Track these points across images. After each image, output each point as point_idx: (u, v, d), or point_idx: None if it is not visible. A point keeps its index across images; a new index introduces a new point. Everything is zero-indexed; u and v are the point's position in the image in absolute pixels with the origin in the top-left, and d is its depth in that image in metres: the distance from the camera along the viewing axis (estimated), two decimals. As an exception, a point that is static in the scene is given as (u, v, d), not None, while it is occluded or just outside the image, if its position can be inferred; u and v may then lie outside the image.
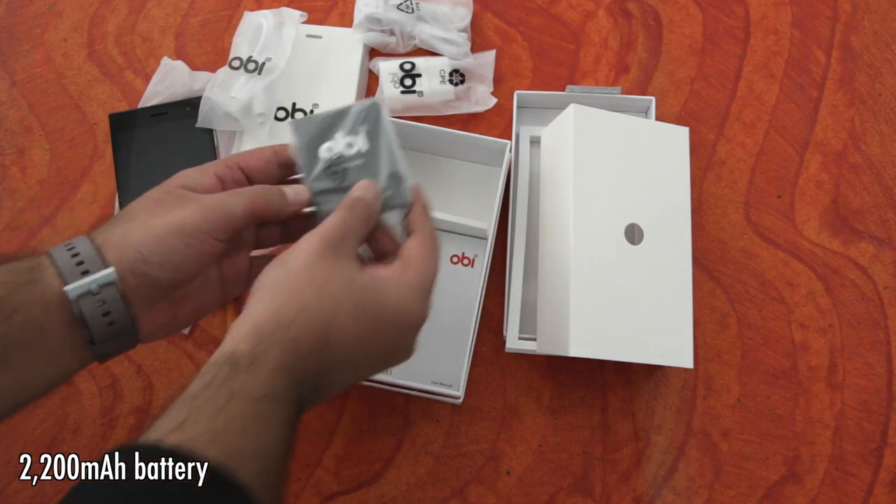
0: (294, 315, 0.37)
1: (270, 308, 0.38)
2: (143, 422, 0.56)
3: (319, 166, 0.45)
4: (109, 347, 0.40)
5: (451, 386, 0.54)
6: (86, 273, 0.38)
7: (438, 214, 0.56)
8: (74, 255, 0.38)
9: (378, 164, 0.45)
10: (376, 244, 0.45)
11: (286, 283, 0.39)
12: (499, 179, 0.56)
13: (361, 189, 0.43)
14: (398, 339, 0.41)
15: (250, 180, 0.45)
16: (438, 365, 0.55)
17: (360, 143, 0.45)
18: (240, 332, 0.37)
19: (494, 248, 0.57)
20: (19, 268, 0.38)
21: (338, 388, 0.40)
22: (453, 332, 0.55)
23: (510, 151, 0.57)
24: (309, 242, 0.40)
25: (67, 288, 0.38)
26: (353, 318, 0.39)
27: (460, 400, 0.53)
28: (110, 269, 0.38)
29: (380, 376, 0.53)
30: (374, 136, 0.45)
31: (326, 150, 0.45)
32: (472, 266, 0.58)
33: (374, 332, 0.40)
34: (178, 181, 0.43)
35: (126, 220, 0.40)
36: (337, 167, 0.45)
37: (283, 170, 0.46)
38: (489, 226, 0.56)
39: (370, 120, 0.45)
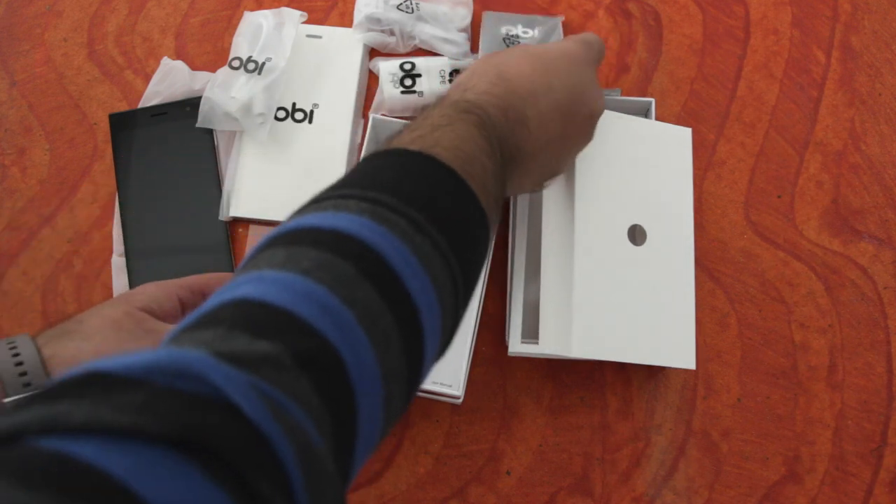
0: (465, 77, 0.42)
1: (454, 86, 0.42)
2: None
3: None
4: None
5: (451, 386, 0.54)
6: (27, 385, 0.38)
7: None
8: (18, 364, 0.38)
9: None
10: None
11: (466, 70, 0.45)
12: None
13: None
14: (570, 69, 0.44)
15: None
16: (438, 365, 0.55)
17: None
18: (438, 104, 0.41)
19: (494, 248, 0.57)
20: None
21: (542, 135, 0.42)
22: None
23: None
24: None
25: (7, 400, 0.37)
26: (523, 58, 0.43)
27: (460, 400, 0.53)
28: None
29: None
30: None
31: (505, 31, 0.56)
32: None
33: (547, 65, 0.43)
34: (140, 301, 0.43)
35: (81, 337, 0.40)
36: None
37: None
38: None
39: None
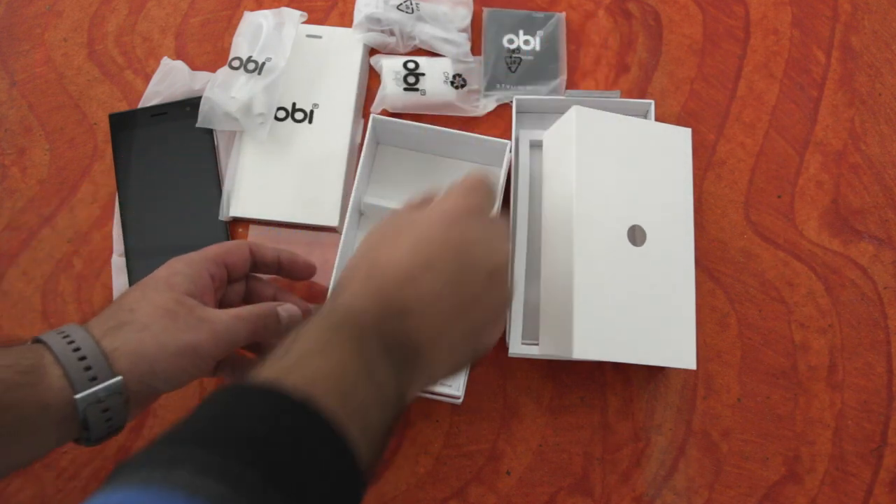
0: (338, 281, 0.40)
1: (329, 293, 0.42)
2: (143, 422, 0.56)
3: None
4: (100, 441, 0.41)
5: (451, 386, 0.54)
6: (94, 379, 0.39)
7: None
8: (82, 359, 0.39)
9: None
10: None
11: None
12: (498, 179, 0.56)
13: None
14: (454, 234, 0.39)
15: (230, 274, 0.48)
16: None
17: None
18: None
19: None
20: (18, 364, 0.38)
21: (433, 313, 0.37)
22: None
23: (510, 151, 0.57)
24: None
25: (78, 397, 0.38)
26: (396, 238, 0.39)
27: (460, 400, 0.53)
28: (118, 379, 0.39)
29: None
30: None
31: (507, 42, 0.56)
32: None
33: (421, 236, 0.39)
34: (182, 285, 0.44)
35: (138, 328, 0.41)
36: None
37: (255, 267, 0.51)
38: None
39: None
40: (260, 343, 0.47)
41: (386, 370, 0.35)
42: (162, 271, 0.45)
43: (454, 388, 0.54)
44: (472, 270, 0.39)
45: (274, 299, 0.52)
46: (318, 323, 0.35)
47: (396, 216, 0.42)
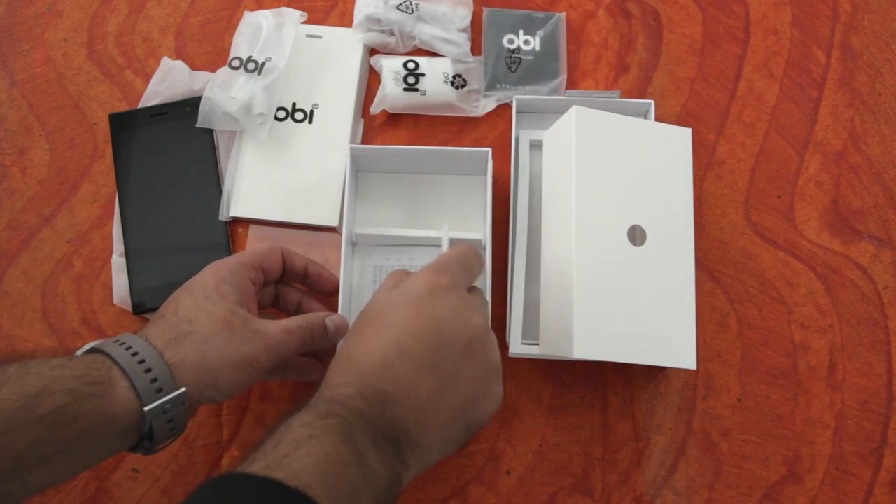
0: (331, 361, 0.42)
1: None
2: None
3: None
4: (159, 449, 0.43)
5: None
6: (159, 391, 0.40)
7: (430, 233, 0.56)
8: (147, 371, 0.40)
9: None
10: None
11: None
12: (485, 187, 0.56)
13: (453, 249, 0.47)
14: (419, 310, 0.40)
15: (264, 279, 0.50)
16: None
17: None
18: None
19: (495, 249, 0.57)
20: (88, 375, 0.39)
21: (416, 398, 0.38)
22: None
23: (503, 158, 0.57)
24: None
25: (147, 409, 0.39)
26: (366, 328, 0.41)
27: None
28: (183, 390, 0.40)
29: None
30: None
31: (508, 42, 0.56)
32: None
33: (390, 322, 0.40)
34: (233, 296, 0.45)
35: (199, 340, 0.42)
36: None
37: (284, 273, 0.52)
38: (483, 235, 0.56)
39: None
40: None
41: (377, 455, 0.36)
42: (209, 278, 0.45)
43: None
44: (447, 348, 0.40)
45: (300, 304, 0.54)
46: (307, 414, 0.37)
47: (373, 300, 0.43)
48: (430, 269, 0.43)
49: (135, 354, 0.40)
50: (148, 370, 0.40)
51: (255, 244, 0.59)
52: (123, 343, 0.41)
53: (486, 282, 0.54)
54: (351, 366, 0.39)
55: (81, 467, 0.40)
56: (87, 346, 0.42)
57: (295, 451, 0.34)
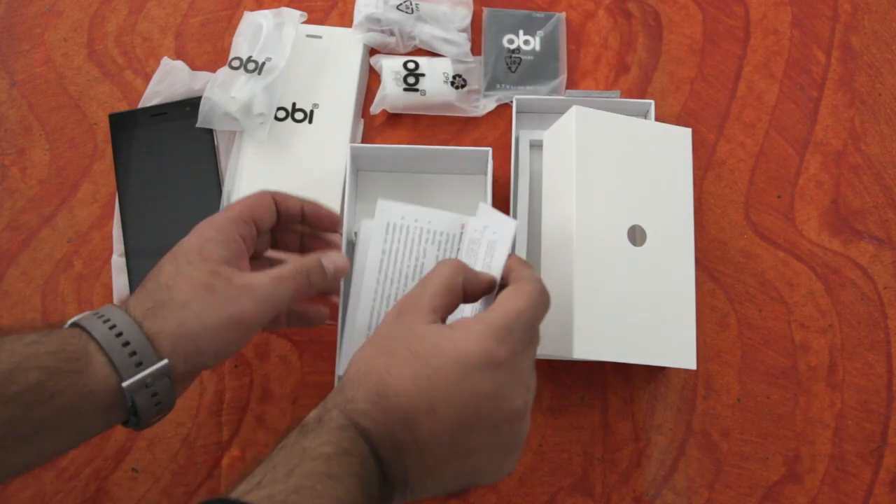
0: (352, 377, 0.38)
1: (341, 380, 0.39)
2: (143, 422, 0.56)
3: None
4: (149, 424, 0.41)
5: None
6: (139, 365, 0.38)
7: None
8: (126, 345, 0.38)
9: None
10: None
11: (357, 355, 0.39)
12: (485, 187, 0.56)
13: (439, 266, 0.41)
14: (466, 383, 0.36)
15: (257, 229, 0.46)
16: None
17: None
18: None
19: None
20: (63, 351, 0.37)
21: (432, 463, 0.36)
22: None
23: (503, 158, 0.57)
24: (390, 310, 0.41)
25: (125, 384, 0.38)
26: (407, 364, 0.36)
27: None
28: (164, 362, 0.39)
29: None
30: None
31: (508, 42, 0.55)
32: None
33: (432, 375, 0.36)
34: (216, 253, 0.42)
35: (177, 307, 0.40)
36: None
37: (279, 218, 0.48)
38: None
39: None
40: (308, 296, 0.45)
41: (368, 464, 0.35)
42: (193, 240, 0.43)
43: None
44: (476, 425, 0.36)
45: (301, 244, 0.51)
46: (325, 434, 0.35)
47: (407, 341, 0.38)
48: (491, 331, 0.36)
49: (112, 327, 0.38)
50: (126, 343, 0.38)
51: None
52: (102, 316, 0.39)
53: None
54: (380, 398, 0.36)
55: (66, 446, 0.39)
56: (71, 320, 0.41)
57: (310, 487, 0.32)
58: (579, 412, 0.56)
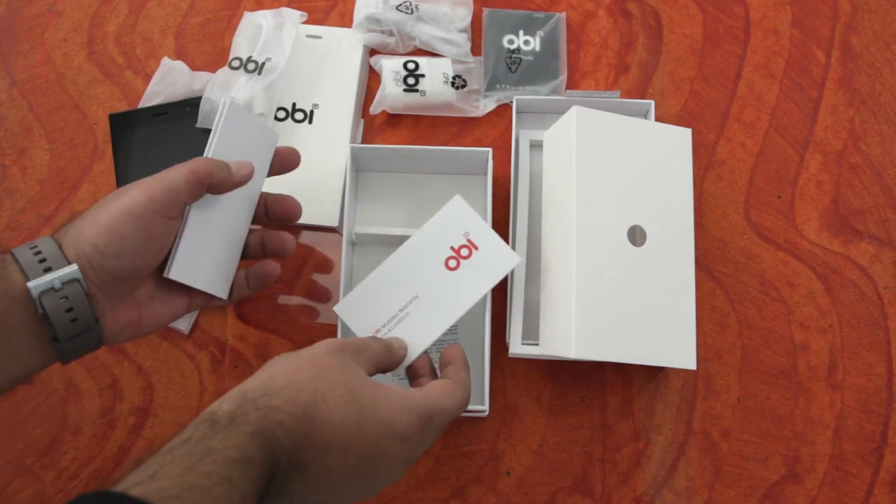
0: (284, 385, 0.37)
1: (262, 378, 0.38)
2: (142, 422, 0.56)
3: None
4: (73, 345, 0.40)
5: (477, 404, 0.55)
6: (48, 270, 0.38)
7: None
8: (37, 254, 0.39)
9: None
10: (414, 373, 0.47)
11: (286, 363, 0.39)
12: (485, 187, 0.56)
13: (397, 342, 0.46)
14: (382, 444, 0.38)
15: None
16: None
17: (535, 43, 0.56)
18: (227, 395, 0.36)
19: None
20: None
21: (319, 484, 0.37)
22: (464, 346, 0.56)
23: (503, 158, 0.57)
24: (325, 343, 0.41)
25: (30, 284, 0.38)
26: (345, 401, 0.37)
27: (486, 413, 0.54)
28: (73, 267, 0.39)
29: None
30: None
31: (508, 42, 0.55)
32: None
33: (361, 423, 0.37)
34: (155, 189, 0.43)
35: (89, 221, 0.41)
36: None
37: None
38: None
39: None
40: (212, 191, 0.45)
41: (266, 478, 0.35)
42: (142, 184, 0.43)
43: (480, 403, 0.53)
44: (373, 474, 0.39)
45: (262, 247, 0.52)
46: (233, 436, 0.34)
47: (358, 374, 0.40)
48: (420, 414, 0.40)
49: (30, 245, 0.40)
50: (37, 252, 0.39)
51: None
52: (32, 244, 0.40)
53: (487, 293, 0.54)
54: (306, 419, 0.36)
55: (4, 374, 0.39)
56: None
57: (207, 488, 0.31)
58: (579, 412, 0.56)
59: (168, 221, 0.42)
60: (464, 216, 0.50)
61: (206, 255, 0.47)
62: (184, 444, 0.33)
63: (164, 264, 0.44)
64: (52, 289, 0.38)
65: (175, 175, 0.42)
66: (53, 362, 0.41)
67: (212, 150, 0.46)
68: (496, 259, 0.49)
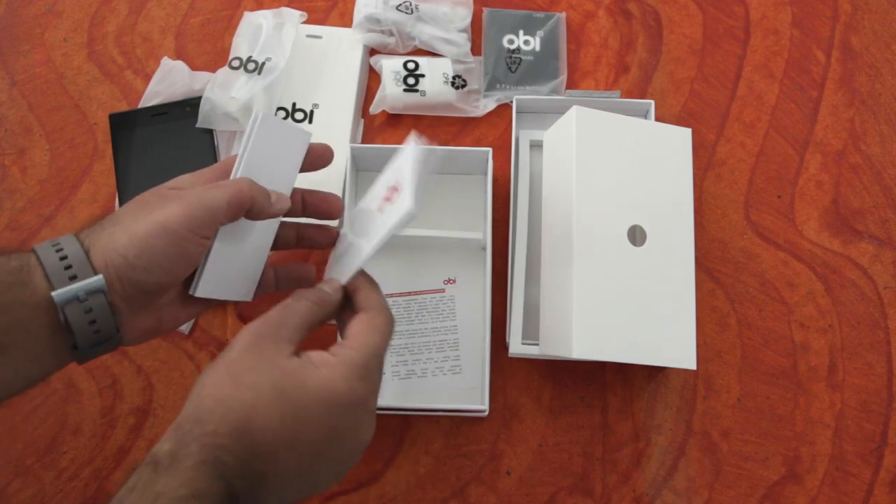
0: (212, 407, 0.36)
1: (193, 404, 0.37)
2: (142, 422, 0.56)
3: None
4: (92, 353, 0.40)
5: (476, 403, 0.55)
6: (73, 278, 0.37)
7: (432, 232, 0.56)
8: (63, 258, 0.38)
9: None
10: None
11: (210, 379, 0.38)
12: (485, 187, 0.56)
13: (303, 299, 0.42)
14: (331, 422, 0.37)
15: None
16: (460, 389, 0.56)
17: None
18: (166, 433, 0.36)
19: (494, 249, 0.57)
20: (7, 267, 0.37)
21: (284, 487, 0.37)
22: (463, 346, 0.56)
23: (503, 158, 0.57)
24: (241, 335, 0.39)
25: (55, 294, 0.37)
26: (274, 403, 0.36)
27: (486, 413, 0.54)
28: (98, 277, 0.38)
29: (395, 401, 0.54)
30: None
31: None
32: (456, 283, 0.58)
33: (299, 415, 0.37)
34: (169, 183, 0.42)
35: (111, 223, 0.40)
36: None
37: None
38: (483, 235, 0.56)
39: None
40: (250, 216, 0.43)
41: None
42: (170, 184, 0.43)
43: (479, 403, 0.53)
44: (334, 452, 0.38)
45: (298, 240, 0.50)
46: (181, 480, 0.33)
47: (278, 362, 0.38)
48: (354, 370, 0.38)
49: (55, 244, 0.38)
50: (63, 258, 0.38)
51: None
52: (55, 243, 0.39)
53: (486, 282, 0.54)
54: (244, 435, 0.35)
55: (21, 377, 0.38)
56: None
57: None
58: (579, 412, 0.56)
59: (201, 241, 0.41)
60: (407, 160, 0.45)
61: (233, 267, 0.46)
62: (130, 493, 0.33)
63: (189, 277, 0.44)
64: (77, 298, 0.37)
65: (217, 195, 0.40)
66: (70, 363, 0.41)
67: (243, 163, 0.45)
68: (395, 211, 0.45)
